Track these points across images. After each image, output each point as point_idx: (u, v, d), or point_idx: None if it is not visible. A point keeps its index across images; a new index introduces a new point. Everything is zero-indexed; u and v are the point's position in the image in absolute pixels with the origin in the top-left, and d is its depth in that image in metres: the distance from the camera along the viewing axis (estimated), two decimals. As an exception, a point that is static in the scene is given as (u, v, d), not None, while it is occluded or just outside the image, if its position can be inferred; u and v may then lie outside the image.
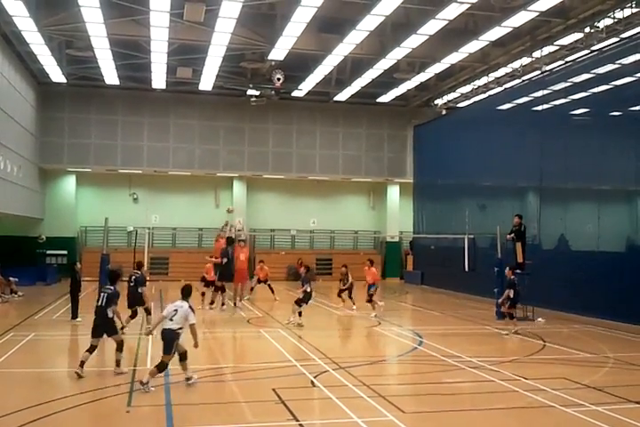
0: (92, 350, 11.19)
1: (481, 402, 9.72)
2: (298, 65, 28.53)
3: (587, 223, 20.06)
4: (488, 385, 10.67)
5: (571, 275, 19.68)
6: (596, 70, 20.63)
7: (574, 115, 22.36)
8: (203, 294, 21.10)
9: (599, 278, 18.52)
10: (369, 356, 13.75)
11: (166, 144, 34.50)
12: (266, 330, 16.74)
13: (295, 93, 33.22)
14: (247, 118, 35.28)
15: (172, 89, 32.99)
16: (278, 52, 25.84)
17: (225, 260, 19.97)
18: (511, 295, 16.55)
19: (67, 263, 31.02)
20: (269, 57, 26.55)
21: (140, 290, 15.82)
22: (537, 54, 25.42)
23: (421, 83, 31.09)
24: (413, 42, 23.93)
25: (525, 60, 26.61)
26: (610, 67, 19.98)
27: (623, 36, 21.55)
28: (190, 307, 10.45)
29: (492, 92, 30.14)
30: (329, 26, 24.28)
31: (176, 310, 10.34)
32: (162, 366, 10.15)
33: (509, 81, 29.20)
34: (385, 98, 34.34)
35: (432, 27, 22.22)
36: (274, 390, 9.99)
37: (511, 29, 22.80)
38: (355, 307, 21.05)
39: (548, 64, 25.45)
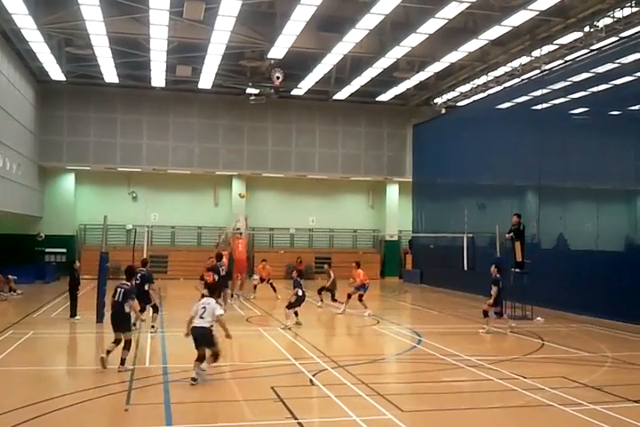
0: (117, 342, 11.47)
1: (479, 401, 9.73)
2: (297, 63, 28.52)
3: (586, 222, 20.09)
4: (487, 384, 10.68)
5: (570, 274, 19.70)
6: (595, 69, 20.63)
7: (573, 114, 22.37)
8: (202, 296, 20.99)
9: (598, 278, 18.54)
10: (368, 354, 13.75)
11: (165, 142, 34.49)
12: (265, 329, 16.76)
13: (294, 92, 33.21)
14: (246, 117, 35.27)
15: (171, 87, 32.97)
16: (278, 51, 25.82)
17: (216, 277, 19.42)
18: (492, 293, 16.64)
19: (66, 261, 31.07)
20: (269, 55, 26.54)
21: (146, 287, 15.80)
22: (536, 53, 25.43)
23: (421, 82, 31.10)
24: (413, 41, 23.92)
25: (525, 60, 26.62)
26: (609, 66, 19.99)
27: (623, 35, 21.57)
28: (217, 302, 10.93)
29: (491, 92, 30.16)
30: (328, 24, 24.26)
31: (204, 308, 10.66)
32: (217, 357, 10.67)
33: (509, 80, 29.21)
34: (384, 97, 34.32)
35: (432, 26, 22.19)
36: (272, 388, 9.99)
37: (511, 28, 22.79)
38: (342, 309, 20.30)
39: (547, 63, 25.48)
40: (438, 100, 34.45)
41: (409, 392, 10.70)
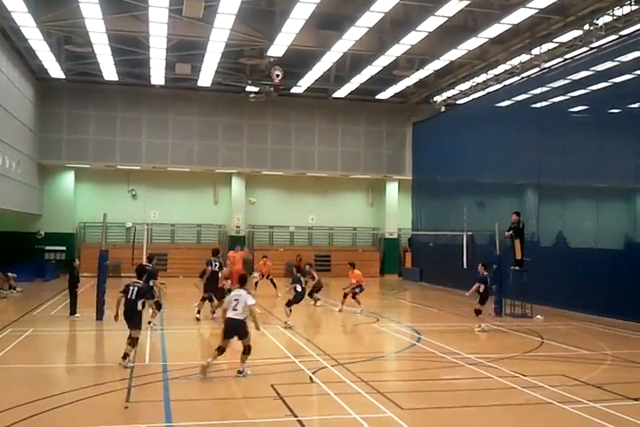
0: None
1: (479, 399, 9.73)
2: (297, 61, 28.50)
3: (585, 221, 20.11)
4: (486, 382, 10.69)
5: (569, 272, 19.71)
6: (595, 68, 20.63)
7: (573, 112, 22.37)
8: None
9: (597, 276, 18.55)
10: (367, 352, 13.77)
11: (165, 140, 34.46)
12: (264, 326, 16.69)
13: (294, 90, 33.18)
14: (246, 115, 35.24)
15: (170, 85, 32.94)
16: (277, 49, 25.81)
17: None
18: (480, 290, 16.74)
19: (65, 259, 31.02)
20: (268, 53, 26.51)
21: (151, 283, 15.77)
22: (536, 51, 25.43)
23: (420, 80, 31.07)
24: (412, 39, 23.90)
25: (524, 58, 26.61)
26: (609, 64, 19.99)
27: (622, 33, 21.59)
28: (248, 293, 11.00)
29: (490, 90, 30.16)
30: (328, 22, 24.24)
31: (237, 300, 10.76)
32: (249, 350, 10.73)
33: (508, 78, 29.20)
34: (384, 95, 34.30)
35: (431, 23, 22.17)
36: (272, 386, 10.01)
37: (510, 26, 22.78)
38: (339, 307, 20.37)
39: (546, 61, 25.48)
40: (438, 99, 34.44)
41: (408, 390, 10.71)
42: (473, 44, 24.67)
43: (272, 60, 27.73)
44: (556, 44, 24.80)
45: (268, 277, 24.42)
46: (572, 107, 22.42)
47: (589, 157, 20.21)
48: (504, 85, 28.61)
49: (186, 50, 27.10)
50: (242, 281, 11.34)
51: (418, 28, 22.74)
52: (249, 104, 33.48)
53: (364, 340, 16.58)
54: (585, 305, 18.92)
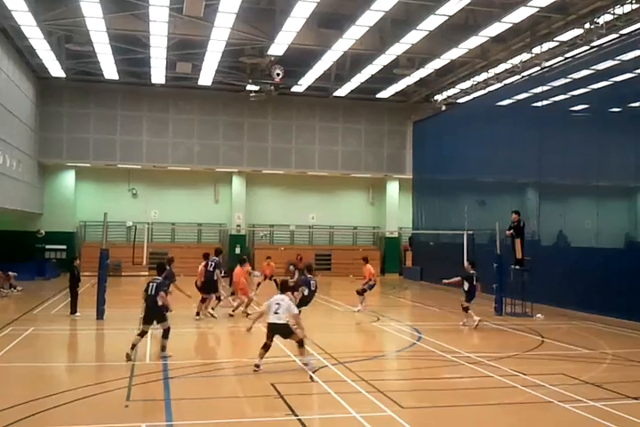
0: (142, 334, 12.18)
1: (479, 398, 9.74)
2: (297, 60, 28.48)
3: (586, 220, 20.08)
4: (486, 381, 10.69)
5: (570, 271, 19.70)
6: (595, 66, 20.61)
7: (574, 111, 22.36)
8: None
9: (598, 275, 18.54)
10: (368, 351, 13.78)
11: (165, 139, 34.47)
12: (265, 325, 16.69)
13: (295, 89, 33.17)
14: (246, 114, 35.25)
15: (171, 84, 32.93)
16: (278, 48, 25.80)
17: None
18: (465, 288, 16.98)
19: (66, 258, 31.06)
20: (269, 52, 26.50)
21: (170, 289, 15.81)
22: (537, 50, 25.39)
23: (421, 78, 31.04)
24: (413, 37, 23.88)
25: (525, 56, 26.56)
26: (610, 63, 19.97)
27: (623, 32, 21.55)
28: (290, 299, 11.47)
29: (491, 88, 30.10)
30: (328, 21, 24.23)
31: (279, 304, 11.05)
32: (302, 343, 11.16)
33: (509, 77, 29.15)
34: (384, 93, 34.29)
35: (432, 22, 22.15)
36: (273, 384, 10.01)
37: (511, 25, 22.75)
38: (358, 308, 20.19)
39: (547, 60, 25.44)
40: (438, 97, 34.41)
41: (409, 389, 10.72)
42: (473, 42, 24.65)
43: (273, 58, 27.72)
44: (557, 43, 24.75)
45: (271, 279, 24.49)
46: (573, 106, 22.40)
47: (590, 156, 20.19)
48: (505, 84, 28.59)
49: (186, 49, 27.10)
50: (282, 288, 11.73)
51: (418, 27, 22.73)
52: (249, 103, 33.48)
53: (365, 339, 16.60)
54: (585, 304, 18.91)
